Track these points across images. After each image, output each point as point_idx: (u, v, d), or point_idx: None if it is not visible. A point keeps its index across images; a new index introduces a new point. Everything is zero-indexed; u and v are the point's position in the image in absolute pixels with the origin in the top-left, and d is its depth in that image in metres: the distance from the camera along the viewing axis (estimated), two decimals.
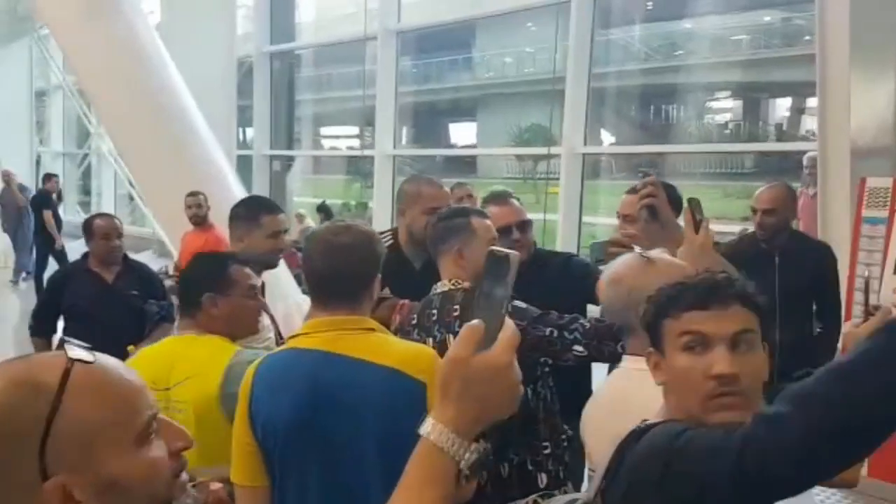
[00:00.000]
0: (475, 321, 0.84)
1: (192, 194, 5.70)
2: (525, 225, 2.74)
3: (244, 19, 10.82)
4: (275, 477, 1.74)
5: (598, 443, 1.75)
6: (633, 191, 2.82)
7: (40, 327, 3.87)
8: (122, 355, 3.46)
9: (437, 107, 20.47)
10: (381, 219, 8.82)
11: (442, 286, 2.22)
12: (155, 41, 6.78)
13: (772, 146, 13.22)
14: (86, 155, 13.88)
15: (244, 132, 11.60)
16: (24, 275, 10.28)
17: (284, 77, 10.96)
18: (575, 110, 7.21)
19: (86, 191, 15.44)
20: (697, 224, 1.99)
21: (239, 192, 6.89)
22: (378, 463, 1.66)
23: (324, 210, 7.85)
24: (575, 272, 2.77)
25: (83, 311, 3.70)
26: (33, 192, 10.44)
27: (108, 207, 14.36)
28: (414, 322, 2.15)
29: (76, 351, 0.83)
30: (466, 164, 18.77)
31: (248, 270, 2.25)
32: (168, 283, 5.39)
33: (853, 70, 4.02)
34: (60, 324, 3.88)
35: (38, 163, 15.34)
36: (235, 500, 1.76)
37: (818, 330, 3.63)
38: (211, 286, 2.15)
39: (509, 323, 0.84)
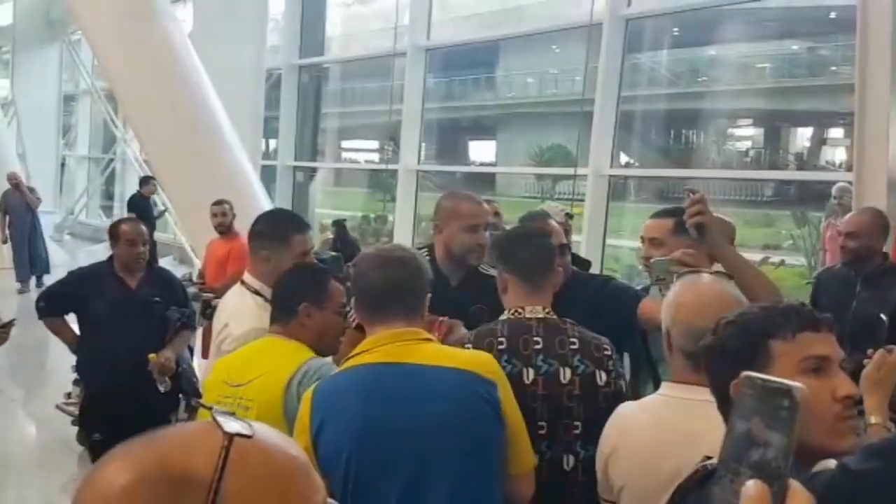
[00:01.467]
0: (754, 482, 0.61)
1: (218, 203, 5.71)
2: (564, 248, 2.69)
3: (273, 32, 10.91)
4: (346, 499, 1.69)
5: (635, 475, 1.71)
6: (658, 214, 2.79)
7: (54, 308, 3.86)
8: (143, 362, 3.48)
9: (457, 124, 20.53)
10: (402, 232, 8.84)
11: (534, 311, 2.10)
12: (189, 49, 6.85)
13: (796, 174, 13.16)
14: (111, 160, 13.98)
15: (268, 143, 11.66)
16: (33, 281, 9.96)
17: (311, 90, 11.02)
18: (602, 132, 7.19)
19: (109, 195, 15.54)
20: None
21: (265, 202, 6.94)
22: (459, 452, 1.69)
23: (338, 225, 7.85)
24: (613, 295, 2.74)
25: (105, 317, 3.70)
26: (40, 195, 10.46)
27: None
28: (502, 347, 2.02)
29: (232, 422, 0.64)
30: (485, 182, 18.78)
31: (342, 288, 2.26)
32: (191, 289, 5.40)
33: (893, 99, 3.99)
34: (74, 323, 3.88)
35: (63, 166, 15.48)
36: None
37: None
38: (309, 296, 2.18)
39: (797, 487, 0.63)
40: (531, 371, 1.98)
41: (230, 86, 8.14)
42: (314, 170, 11.36)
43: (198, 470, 0.61)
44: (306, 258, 2.68)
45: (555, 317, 2.09)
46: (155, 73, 6.47)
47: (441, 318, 2.35)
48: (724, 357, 1.25)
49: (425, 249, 2.90)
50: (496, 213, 5.36)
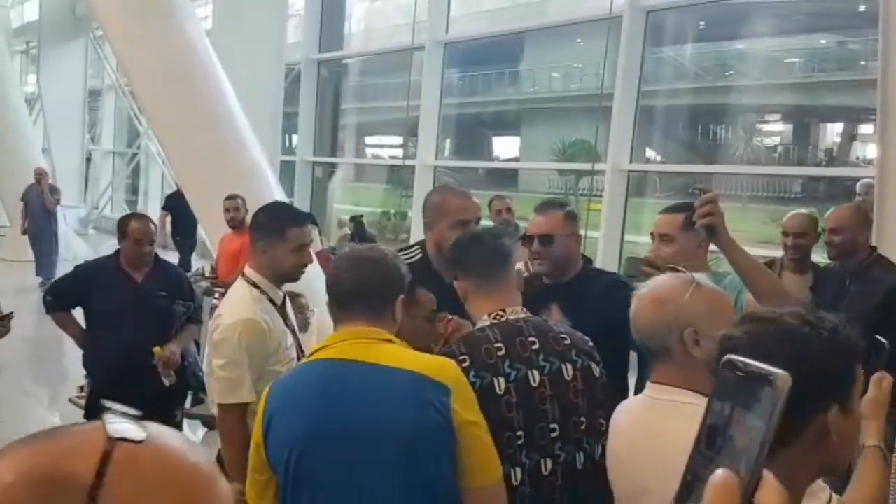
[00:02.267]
0: (723, 471, 0.58)
1: (230, 197, 5.70)
2: (547, 239, 2.59)
3: (295, 28, 10.93)
4: (286, 498, 1.70)
5: (621, 482, 1.65)
6: (668, 210, 2.74)
7: (61, 303, 3.87)
8: (149, 356, 3.47)
9: (481, 119, 20.47)
10: (420, 228, 8.76)
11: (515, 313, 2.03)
12: (206, 45, 6.85)
13: (825, 171, 12.91)
14: (134, 154, 14.11)
15: (290, 138, 11.68)
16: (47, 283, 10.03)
17: (331, 85, 11.01)
18: (621, 127, 7.10)
19: (134, 190, 15.69)
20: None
21: (280, 197, 6.92)
22: (399, 463, 1.64)
23: (355, 221, 7.83)
24: (625, 289, 2.66)
25: (112, 312, 3.70)
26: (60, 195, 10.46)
27: (154, 206, 14.58)
28: (502, 353, 1.93)
29: (119, 425, 0.61)
30: (508, 178, 18.70)
31: (431, 295, 2.29)
32: (204, 284, 5.41)
33: None
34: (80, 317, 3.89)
35: (88, 160, 15.64)
36: None
37: None
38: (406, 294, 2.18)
39: (769, 479, 0.59)
40: (536, 373, 1.91)
41: (250, 81, 8.16)
42: (333, 165, 11.36)
43: (79, 473, 0.58)
44: (302, 252, 2.66)
45: (533, 316, 2.04)
46: (171, 69, 6.47)
47: (450, 317, 2.30)
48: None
49: (417, 247, 2.85)
50: (508, 210, 5.34)
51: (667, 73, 15.39)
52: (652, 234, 2.70)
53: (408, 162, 9.45)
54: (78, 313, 3.90)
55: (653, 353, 1.66)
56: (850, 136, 15.49)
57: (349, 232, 8.44)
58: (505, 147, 21.43)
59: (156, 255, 3.91)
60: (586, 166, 8.56)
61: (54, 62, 13.58)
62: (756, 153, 16.08)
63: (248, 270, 2.65)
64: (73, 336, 3.92)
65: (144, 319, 3.64)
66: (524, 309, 2.03)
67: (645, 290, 1.68)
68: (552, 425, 1.90)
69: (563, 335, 2.00)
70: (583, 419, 1.94)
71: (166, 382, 3.60)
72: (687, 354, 1.58)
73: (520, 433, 1.87)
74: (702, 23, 15.41)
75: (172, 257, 7.51)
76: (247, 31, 8.67)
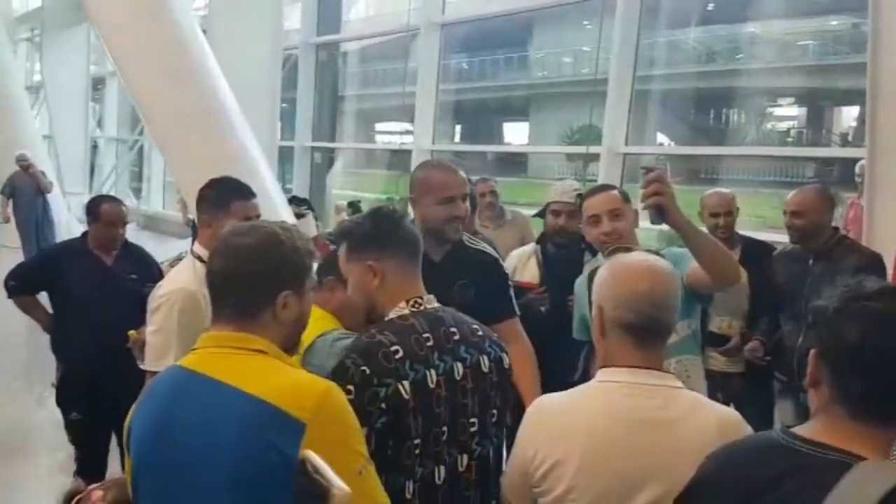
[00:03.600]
0: None
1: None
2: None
3: (291, 10, 10.85)
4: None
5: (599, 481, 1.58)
6: (602, 189, 2.76)
7: (25, 287, 3.82)
8: (121, 339, 3.42)
9: (490, 104, 20.37)
10: None
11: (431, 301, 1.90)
12: (195, 30, 6.80)
13: (815, 151, 12.68)
14: (135, 141, 14.13)
15: (293, 124, 11.64)
16: None
17: (329, 69, 10.94)
18: (616, 110, 6.97)
19: (139, 177, 15.73)
20: None
21: (270, 183, 6.89)
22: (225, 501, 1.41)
23: (353, 206, 7.77)
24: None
25: (82, 295, 3.64)
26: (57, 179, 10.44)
27: (156, 194, 14.62)
28: (430, 344, 1.77)
29: None
30: (518, 164, 18.61)
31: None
32: None
33: None
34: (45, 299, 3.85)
35: (94, 148, 15.68)
36: None
37: None
38: (337, 272, 2.09)
39: None
40: (459, 365, 1.78)
41: (247, 66, 8.12)
42: (332, 151, 11.31)
43: None
44: None
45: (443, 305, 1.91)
46: (159, 54, 6.42)
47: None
48: None
49: None
50: (492, 192, 5.25)
51: (678, 56, 15.25)
52: (596, 215, 2.63)
53: (405, 147, 9.37)
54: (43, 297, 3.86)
55: (664, 331, 1.66)
56: (864, 120, 15.17)
57: (346, 218, 8.38)
58: (516, 133, 21.33)
59: (125, 238, 3.86)
60: (581, 149, 8.44)
61: (57, 49, 13.59)
62: (768, 137, 15.91)
63: (195, 245, 2.70)
64: (39, 321, 3.88)
65: (115, 303, 3.58)
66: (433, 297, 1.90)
67: (646, 263, 1.68)
68: (472, 419, 1.78)
69: (475, 325, 1.88)
70: (495, 412, 1.84)
71: (141, 365, 3.56)
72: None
73: (444, 429, 1.74)
74: (710, 5, 15.22)
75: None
76: (244, 16, 8.61)
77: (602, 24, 7.27)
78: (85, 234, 3.77)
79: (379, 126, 18.91)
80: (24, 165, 9.81)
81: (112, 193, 14.30)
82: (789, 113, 17.55)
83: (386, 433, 1.66)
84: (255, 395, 1.41)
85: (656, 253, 2.23)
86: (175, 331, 2.48)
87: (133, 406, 1.58)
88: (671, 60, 14.81)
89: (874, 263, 3.44)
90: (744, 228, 4.18)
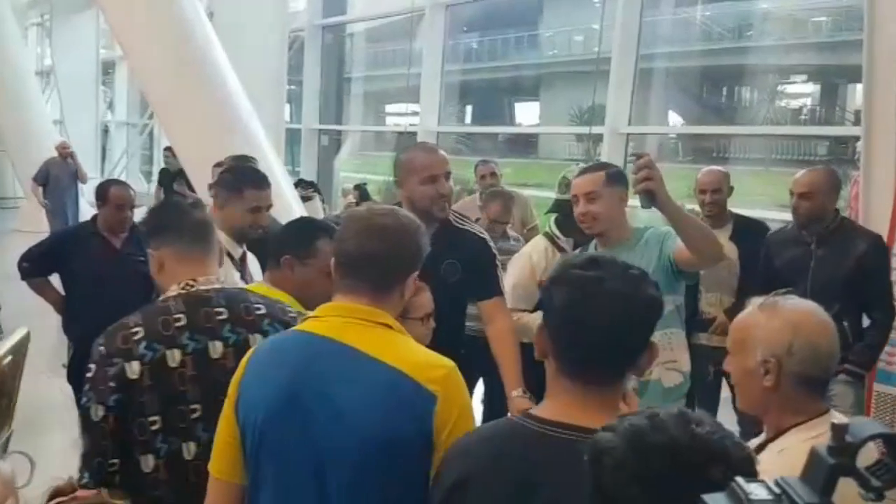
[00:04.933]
0: None
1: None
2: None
3: None
4: (250, 473, 1.58)
5: None
6: (587, 170, 2.79)
7: (37, 269, 3.92)
8: None
9: (501, 84, 20.25)
10: None
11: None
12: (199, 13, 6.84)
13: (807, 129, 12.54)
14: (145, 125, 14.20)
15: (300, 107, 11.64)
16: None
17: (335, 52, 10.94)
18: (619, 89, 6.96)
19: (151, 160, 15.80)
20: None
21: (276, 166, 6.94)
22: (369, 469, 1.47)
23: (359, 189, 7.81)
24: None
25: (91, 277, 3.75)
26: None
27: None
28: (181, 324, 1.84)
29: None
30: (528, 145, 18.54)
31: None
32: None
33: None
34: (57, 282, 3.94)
35: (105, 132, 15.77)
36: (207, 491, 1.65)
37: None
38: (293, 250, 2.18)
39: None
40: (219, 344, 1.83)
41: (253, 49, 8.16)
42: (339, 133, 11.32)
43: None
44: (257, 214, 2.83)
45: (232, 287, 1.99)
46: (163, 37, 6.48)
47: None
48: None
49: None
50: (493, 174, 5.30)
51: (688, 34, 15.09)
52: (575, 196, 2.67)
53: (410, 128, 9.38)
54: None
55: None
56: None
57: (353, 200, 8.41)
58: (527, 113, 21.22)
59: (133, 221, 3.94)
60: (583, 130, 8.44)
61: (66, 34, 13.66)
62: (781, 114, 15.75)
63: None
64: (52, 302, 4.00)
65: (124, 284, 3.67)
66: (221, 279, 1.98)
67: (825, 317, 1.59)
68: (221, 397, 1.79)
69: (258, 305, 1.92)
70: None
71: None
72: None
73: (195, 406, 1.79)
74: None
75: None
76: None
77: (606, 2, 7.25)
78: (94, 218, 3.87)
79: (389, 108, 18.87)
80: (66, 153, 9.79)
81: (122, 177, 14.44)
82: (802, 90, 17.36)
83: (122, 409, 1.75)
84: (393, 364, 1.49)
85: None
86: None
87: (240, 368, 1.63)
88: (681, 38, 14.68)
89: (877, 245, 3.48)
90: (754, 207, 4.20)
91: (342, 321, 1.57)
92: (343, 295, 1.61)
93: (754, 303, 1.61)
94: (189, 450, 1.79)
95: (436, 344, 2.37)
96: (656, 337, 2.57)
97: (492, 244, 2.95)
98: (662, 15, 12.45)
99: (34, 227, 10.00)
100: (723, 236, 3.76)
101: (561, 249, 3.45)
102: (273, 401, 1.53)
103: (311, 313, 1.67)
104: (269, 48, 8.87)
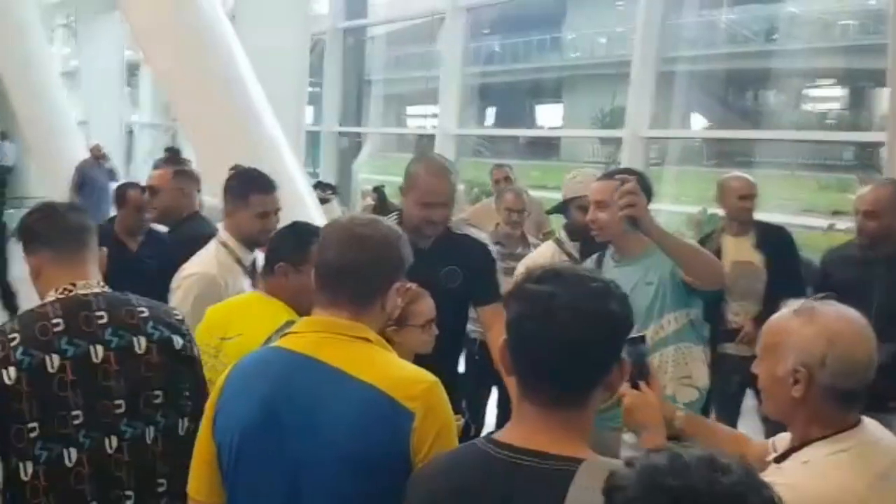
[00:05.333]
0: None
1: (233, 168, 5.72)
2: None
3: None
4: (227, 491, 1.57)
5: None
6: (604, 176, 2.74)
7: None
8: None
9: (524, 87, 20.21)
10: None
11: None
12: (220, 16, 6.87)
13: (829, 135, 12.32)
14: (169, 126, 14.31)
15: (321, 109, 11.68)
16: None
17: (356, 54, 10.95)
18: (640, 92, 6.90)
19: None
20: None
21: (293, 168, 6.95)
22: (345, 488, 1.45)
23: (378, 191, 7.81)
24: None
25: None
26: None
27: None
28: (59, 329, 1.80)
29: None
30: (550, 147, 18.48)
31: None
32: None
33: None
34: None
35: (130, 133, 15.92)
36: None
37: None
38: (288, 257, 2.18)
39: None
40: (100, 348, 1.80)
41: (275, 52, 8.19)
42: (359, 135, 11.34)
43: None
44: (266, 219, 2.79)
45: (113, 290, 1.96)
46: (184, 39, 6.52)
47: (409, 285, 2.25)
48: None
49: (396, 214, 2.83)
50: (506, 178, 5.27)
51: (713, 36, 14.97)
52: (590, 201, 2.68)
53: (429, 131, 9.36)
54: None
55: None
56: None
57: (372, 203, 8.41)
58: (550, 115, 21.16)
59: (149, 226, 3.96)
60: (602, 133, 8.38)
61: (92, 35, 13.79)
62: (807, 119, 15.57)
63: (221, 231, 2.85)
64: None
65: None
66: (102, 283, 1.95)
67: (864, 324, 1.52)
68: (117, 401, 1.80)
69: (141, 308, 1.90)
70: (159, 393, 1.85)
71: None
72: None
73: (77, 413, 1.76)
74: None
75: None
76: (273, 2, 8.68)
77: (628, 4, 7.18)
78: (113, 219, 3.89)
79: (410, 110, 18.89)
80: (100, 155, 9.60)
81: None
82: (829, 94, 17.16)
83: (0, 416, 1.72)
84: (370, 382, 1.47)
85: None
86: (188, 314, 2.47)
87: (216, 388, 1.61)
88: (706, 41, 14.55)
89: None
90: (781, 212, 4.11)
91: (320, 337, 1.54)
92: (322, 308, 1.58)
93: (790, 305, 1.52)
94: (70, 456, 1.76)
95: (437, 350, 2.35)
96: (669, 352, 2.56)
97: (492, 249, 2.92)
98: (688, 18, 12.34)
99: None
100: (747, 243, 3.80)
101: (568, 254, 3.39)
102: (249, 418, 1.52)
103: (290, 329, 1.64)
104: (291, 51, 8.91)
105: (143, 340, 1.84)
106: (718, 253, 3.64)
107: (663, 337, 2.57)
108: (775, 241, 3.81)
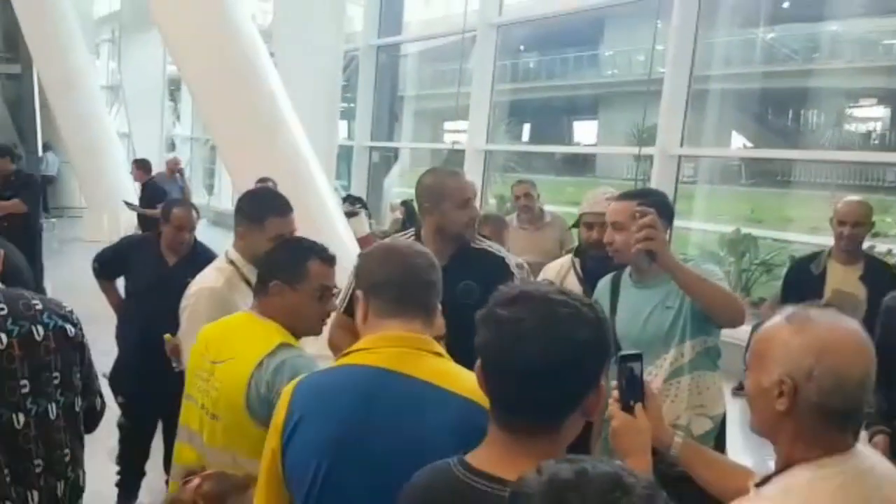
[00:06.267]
0: None
1: (262, 180, 5.78)
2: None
3: (355, 16, 11.01)
4: None
5: None
6: (623, 197, 2.66)
7: (105, 272, 4.08)
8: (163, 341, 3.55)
9: (560, 103, 20.18)
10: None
11: None
12: (252, 30, 6.98)
13: (882, 157, 12.05)
14: (207, 139, 14.59)
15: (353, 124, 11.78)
16: None
17: (389, 71, 11.05)
18: (671, 110, 6.85)
19: (212, 174, 16.19)
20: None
21: (322, 183, 7.02)
22: None
23: (406, 205, 7.85)
24: None
25: (140, 289, 3.84)
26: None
27: (226, 191, 15.05)
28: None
29: None
30: (586, 164, 18.40)
31: (329, 269, 2.13)
32: None
33: None
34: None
35: (172, 146, 16.25)
36: None
37: None
38: (282, 275, 2.09)
39: None
40: (3, 336, 2.02)
41: (309, 69, 8.30)
42: (390, 150, 11.42)
43: None
44: None
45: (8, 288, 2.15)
46: (218, 56, 6.63)
47: None
48: None
49: (412, 231, 2.83)
50: (527, 195, 5.23)
51: (752, 55, 14.81)
52: (606, 221, 2.63)
53: (458, 146, 9.39)
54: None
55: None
56: None
57: (400, 216, 8.47)
58: (585, 132, 21.09)
59: (196, 242, 3.99)
60: (633, 150, 8.32)
61: (135, 50, 14.16)
62: (849, 139, 15.30)
63: (229, 249, 2.74)
64: (112, 304, 4.14)
65: (168, 302, 3.72)
66: None
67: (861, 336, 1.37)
68: (22, 382, 2.02)
69: (35, 301, 2.10)
70: (57, 374, 2.09)
71: (176, 368, 3.63)
72: None
73: None
74: (786, 3, 14.73)
75: None
76: (308, 20, 8.80)
77: (658, 23, 7.16)
78: (160, 233, 3.95)
79: (448, 125, 19.00)
80: (177, 169, 9.29)
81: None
82: (872, 114, 16.85)
83: None
84: (459, 392, 1.46)
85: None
86: (196, 331, 2.45)
87: (282, 414, 1.57)
88: (745, 59, 14.40)
89: None
90: (820, 235, 3.82)
91: (398, 351, 1.52)
92: (388, 321, 1.56)
93: (784, 312, 1.38)
94: None
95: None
96: (686, 381, 2.50)
97: (511, 263, 2.89)
98: (724, 36, 12.23)
99: (96, 236, 10.31)
100: (853, 275, 3.52)
101: (577, 271, 3.34)
102: (340, 437, 1.48)
103: (354, 347, 1.59)
104: (325, 67, 9.00)
105: (41, 329, 2.07)
106: (824, 275, 3.49)
107: (682, 365, 2.49)
108: (882, 280, 3.43)
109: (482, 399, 1.39)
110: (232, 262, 2.68)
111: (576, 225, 3.56)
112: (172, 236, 3.83)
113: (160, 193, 9.09)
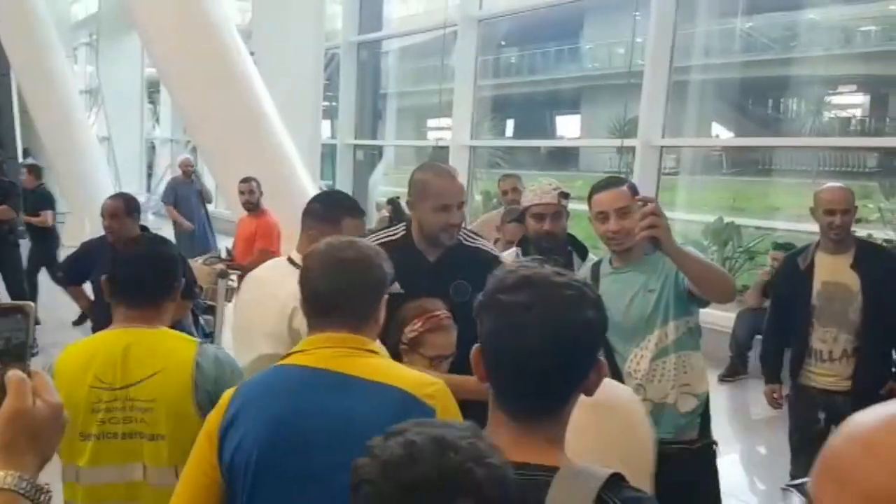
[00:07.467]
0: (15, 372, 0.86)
1: (245, 180, 5.78)
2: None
3: (335, 13, 10.95)
4: None
5: None
6: (609, 185, 2.65)
7: (70, 278, 4.15)
8: None
9: (542, 98, 20.20)
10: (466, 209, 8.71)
11: None
12: (232, 32, 6.96)
13: (862, 141, 12.18)
14: (188, 141, 14.50)
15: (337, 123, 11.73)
16: None
17: (371, 68, 11.01)
18: (652, 102, 6.87)
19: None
20: None
21: (306, 182, 7.00)
22: None
23: (392, 203, 7.83)
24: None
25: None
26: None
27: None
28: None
29: None
30: (570, 158, 18.43)
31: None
32: (219, 266, 5.50)
33: None
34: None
35: (153, 148, 16.13)
36: None
37: None
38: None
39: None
40: None
41: (290, 67, 8.27)
42: (375, 149, 11.39)
43: None
44: None
45: None
46: (198, 57, 6.60)
47: (438, 313, 2.27)
48: None
49: (402, 225, 2.81)
50: (514, 190, 5.23)
51: (730, 45, 14.87)
52: (604, 212, 2.59)
53: (442, 143, 9.37)
54: None
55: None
56: None
57: (387, 215, 8.43)
58: (568, 126, 21.13)
59: (145, 230, 3.99)
60: (616, 142, 8.35)
61: (113, 53, 14.05)
62: (829, 126, 15.42)
63: (294, 254, 2.62)
64: (83, 308, 4.16)
65: None
66: None
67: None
68: None
69: None
70: None
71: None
72: None
73: None
74: None
75: None
76: (287, 18, 8.76)
77: (637, 15, 7.18)
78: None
79: (431, 122, 18.98)
80: (190, 171, 8.90)
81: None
82: (851, 101, 16.99)
83: None
84: (392, 384, 1.52)
85: None
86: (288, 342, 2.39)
87: (218, 412, 1.59)
88: (725, 49, 14.46)
89: None
90: (801, 222, 3.81)
91: (330, 352, 1.57)
92: (320, 328, 1.61)
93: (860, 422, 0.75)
94: None
95: (453, 366, 2.32)
96: (671, 360, 2.53)
97: (505, 262, 2.87)
98: (703, 27, 12.28)
99: (78, 240, 10.22)
100: (844, 264, 3.39)
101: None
102: (269, 436, 1.51)
103: (292, 350, 1.64)
104: (306, 65, 8.97)
105: None
106: (811, 269, 3.41)
107: (667, 345, 2.55)
108: (874, 263, 3.36)
109: (412, 387, 1.50)
110: (292, 262, 2.54)
111: (521, 219, 3.51)
112: (106, 228, 3.87)
113: (179, 200, 8.70)
